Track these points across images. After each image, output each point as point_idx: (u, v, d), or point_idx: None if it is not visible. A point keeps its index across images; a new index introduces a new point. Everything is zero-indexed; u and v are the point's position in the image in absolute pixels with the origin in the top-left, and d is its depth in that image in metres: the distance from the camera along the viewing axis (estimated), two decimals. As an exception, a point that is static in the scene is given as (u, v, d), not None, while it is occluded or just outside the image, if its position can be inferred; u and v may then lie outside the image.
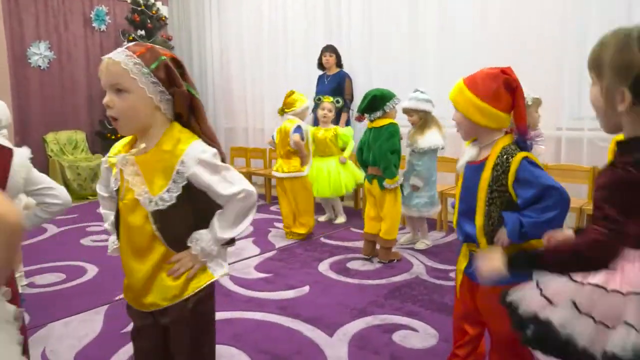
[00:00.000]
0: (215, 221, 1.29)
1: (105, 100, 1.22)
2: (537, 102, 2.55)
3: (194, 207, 1.29)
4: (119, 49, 1.24)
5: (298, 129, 3.76)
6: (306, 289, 2.83)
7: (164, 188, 1.23)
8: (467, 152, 1.58)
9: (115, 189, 1.32)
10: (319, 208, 4.70)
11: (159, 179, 1.24)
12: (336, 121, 4.66)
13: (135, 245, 1.29)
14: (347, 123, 4.87)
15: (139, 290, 1.31)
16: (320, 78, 5.15)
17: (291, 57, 5.88)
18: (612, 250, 0.97)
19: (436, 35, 4.57)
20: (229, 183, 1.26)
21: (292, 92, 3.87)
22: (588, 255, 0.99)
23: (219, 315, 2.46)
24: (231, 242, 1.40)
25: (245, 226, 1.33)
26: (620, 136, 1.11)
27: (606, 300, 0.97)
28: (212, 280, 1.35)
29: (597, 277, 1.00)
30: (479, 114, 1.48)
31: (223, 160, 1.30)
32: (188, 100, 1.28)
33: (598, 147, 3.60)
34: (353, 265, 3.23)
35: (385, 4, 4.94)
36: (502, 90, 1.47)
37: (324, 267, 3.21)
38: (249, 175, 5.66)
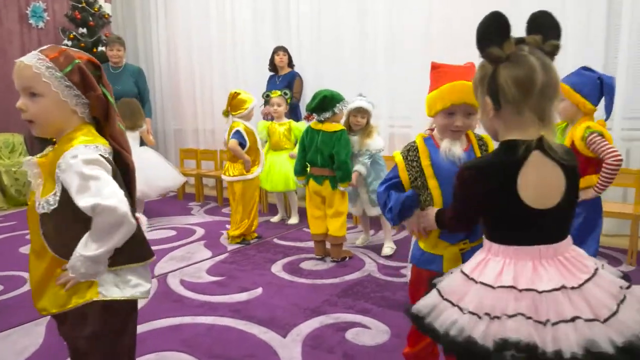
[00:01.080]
0: (84, 236, 1.20)
1: (18, 104, 1.21)
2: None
3: (77, 216, 1.17)
4: (32, 52, 1.22)
5: (236, 133, 3.67)
6: (259, 290, 2.81)
7: (51, 191, 1.21)
8: (456, 145, 1.51)
9: (30, 190, 1.33)
10: (272, 208, 4.69)
11: (49, 182, 1.22)
12: (291, 115, 4.67)
13: (34, 248, 1.29)
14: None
15: (34, 292, 1.30)
16: (271, 78, 5.13)
17: (240, 57, 5.82)
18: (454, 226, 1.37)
19: (385, 35, 4.66)
20: (87, 194, 1.14)
21: (237, 93, 3.72)
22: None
23: (168, 322, 2.41)
24: (142, 259, 1.34)
25: (106, 247, 1.18)
26: (591, 123, 1.97)
27: (463, 286, 1.14)
28: (95, 299, 1.23)
29: (467, 266, 1.19)
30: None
31: (114, 171, 1.24)
32: (104, 104, 1.27)
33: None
34: (306, 265, 3.24)
35: (334, 5, 4.99)
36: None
37: (277, 268, 3.20)
38: (199, 177, 5.56)
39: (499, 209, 1.12)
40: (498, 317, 1.03)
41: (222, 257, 3.47)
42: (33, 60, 1.19)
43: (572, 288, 1.05)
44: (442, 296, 1.15)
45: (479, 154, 1.52)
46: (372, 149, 3.31)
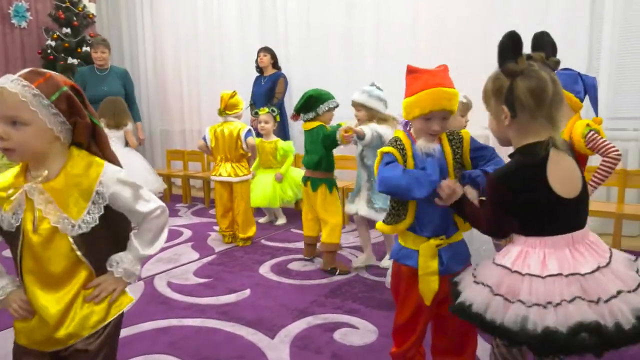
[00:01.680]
0: (134, 240, 1.31)
1: None
2: (464, 106, 2.44)
3: (113, 229, 1.29)
4: (11, 77, 1.14)
5: (249, 132, 3.70)
6: (247, 292, 2.80)
7: (83, 211, 1.20)
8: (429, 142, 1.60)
9: (16, 224, 1.18)
10: (258, 210, 4.67)
11: (76, 203, 1.20)
12: (281, 132, 4.67)
13: (53, 277, 1.21)
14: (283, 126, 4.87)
15: (53, 325, 1.21)
16: (257, 79, 5.13)
17: (228, 58, 5.81)
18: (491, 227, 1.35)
19: (373, 35, 4.69)
20: (145, 201, 1.29)
21: (234, 93, 3.72)
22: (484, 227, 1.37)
23: (154, 324, 2.39)
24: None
25: (162, 243, 1.35)
26: (587, 121, 2.13)
27: (509, 279, 1.21)
28: (132, 303, 1.35)
29: (506, 260, 1.26)
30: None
31: None
32: (90, 129, 1.26)
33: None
34: (294, 266, 3.24)
35: (321, 3, 5.00)
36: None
37: (264, 269, 3.19)
38: (186, 179, 5.53)
39: (536, 205, 1.24)
40: (559, 304, 1.12)
41: (209, 258, 3.45)
42: (18, 88, 1.12)
43: (604, 267, 1.18)
44: (492, 292, 1.22)
45: (448, 148, 1.56)
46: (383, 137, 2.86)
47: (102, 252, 1.28)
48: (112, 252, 1.30)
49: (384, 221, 1.63)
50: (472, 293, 1.26)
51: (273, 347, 2.15)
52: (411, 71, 1.57)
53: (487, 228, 1.39)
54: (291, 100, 4.96)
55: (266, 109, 4.23)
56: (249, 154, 3.78)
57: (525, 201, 1.24)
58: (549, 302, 1.12)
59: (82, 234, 1.20)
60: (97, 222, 1.21)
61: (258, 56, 4.97)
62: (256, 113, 4.32)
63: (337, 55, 4.90)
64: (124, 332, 2.30)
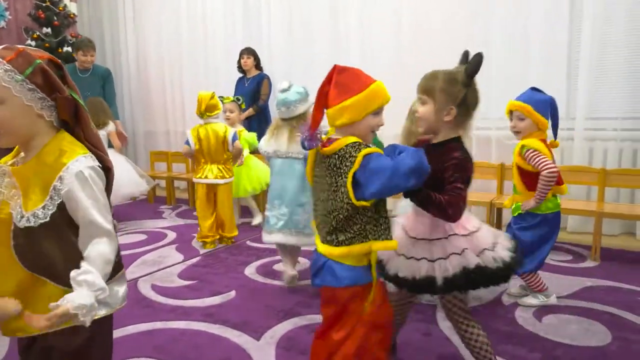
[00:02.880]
0: (93, 269, 1.11)
1: None
2: None
3: (65, 236, 1.15)
4: None
5: (236, 134, 3.69)
6: (232, 293, 2.79)
7: (39, 204, 1.12)
8: None
9: None
10: (244, 210, 4.64)
11: (36, 194, 1.13)
12: (260, 117, 4.64)
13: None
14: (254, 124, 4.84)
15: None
16: (239, 80, 5.12)
17: (212, 59, 5.78)
18: (461, 209, 1.51)
19: (357, 35, 4.71)
20: (103, 215, 1.16)
21: (213, 94, 3.66)
22: (447, 208, 1.48)
23: (139, 328, 2.37)
24: (122, 266, 1.32)
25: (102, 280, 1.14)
26: (527, 141, 2.38)
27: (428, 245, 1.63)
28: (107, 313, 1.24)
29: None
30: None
31: (109, 182, 1.23)
32: (72, 105, 1.19)
33: (505, 145, 3.90)
34: (280, 267, 3.22)
35: (305, 4, 5.00)
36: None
37: (250, 270, 3.18)
38: (170, 180, 5.48)
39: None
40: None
41: (194, 260, 3.43)
42: None
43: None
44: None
45: None
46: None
47: (50, 253, 1.14)
48: (67, 261, 1.14)
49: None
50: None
51: (259, 349, 2.14)
52: (343, 70, 1.47)
53: (459, 210, 1.50)
54: (274, 102, 4.95)
55: (231, 97, 4.13)
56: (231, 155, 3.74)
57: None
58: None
59: (29, 227, 1.12)
60: (48, 219, 1.12)
61: (242, 58, 4.96)
62: (237, 99, 4.20)
63: (321, 55, 4.91)
64: (108, 336, 2.27)
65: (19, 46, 1.17)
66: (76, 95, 1.21)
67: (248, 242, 3.84)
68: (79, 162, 1.15)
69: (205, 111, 3.63)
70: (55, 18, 5.80)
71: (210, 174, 3.66)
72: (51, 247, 1.15)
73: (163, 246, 3.80)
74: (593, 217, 3.29)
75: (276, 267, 3.23)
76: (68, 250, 1.16)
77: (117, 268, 1.26)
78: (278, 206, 2.72)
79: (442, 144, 1.62)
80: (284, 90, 2.70)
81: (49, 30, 5.77)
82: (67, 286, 1.12)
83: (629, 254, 3.37)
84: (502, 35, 3.99)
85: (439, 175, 1.52)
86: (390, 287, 1.70)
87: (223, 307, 2.61)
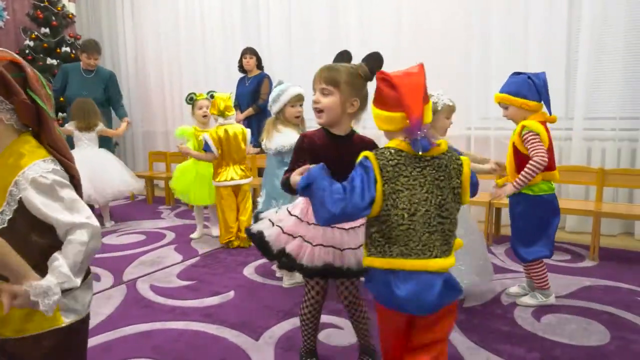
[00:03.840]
0: (61, 262, 1.08)
1: None
2: (450, 109, 2.44)
3: (29, 237, 1.11)
4: None
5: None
6: (231, 294, 2.78)
7: None
8: None
9: None
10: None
11: None
12: (260, 116, 4.64)
13: None
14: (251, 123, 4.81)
15: None
16: (240, 80, 5.11)
17: (211, 58, 5.78)
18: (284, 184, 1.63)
19: (357, 34, 4.72)
20: (69, 210, 1.12)
21: (230, 95, 3.68)
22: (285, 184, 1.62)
23: (137, 328, 2.36)
24: (89, 271, 1.27)
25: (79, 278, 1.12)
26: (529, 122, 2.36)
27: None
28: (57, 327, 1.16)
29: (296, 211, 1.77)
30: (378, 121, 1.42)
31: (76, 187, 1.18)
32: (32, 110, 1.13)
33: (502, 143, 3.90)
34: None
35: (305, 6, 5.00)
36: (382, 90, 1.38)
37: (249, 270, 3.18)
38: (169, 181, 5.46)
39: None
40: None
41: (193, 260, 3.43)
42: None
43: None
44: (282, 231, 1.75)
45: None
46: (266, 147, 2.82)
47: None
48: (31, 263, 1.08)
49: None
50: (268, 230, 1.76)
51: (258, 349, 2.14)
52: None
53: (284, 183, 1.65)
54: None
55: (203, 94, 3.96)
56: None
57: None
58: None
59: None
60: (5, 224, 1.09)
61: (244, 58, 4.94)
62: (191, 99, 3.93)
63: (320, 54, 4.91)
64: (105, 337, 2.27)
65: None
66: (39, 100, 1.15)
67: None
68: (36, 166, 1.11)
69: (225, 111, 3.60)
70: (53, 18, 5.79)
71: (235, 175, 3.62)
72: (14, 243, 1.09)
73: (162, 246, 3.80)
74: (591, 216, 3.29)
75: (275, 267, 3.23)
76: (32, 255, 1.10)
77: (85, 275, 1.21)
78: (263, 195, 2.90)
79: (350, 135, 1.74)
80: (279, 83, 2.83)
81: (47, 30, 5.76)
82: None
83: (628, 254, 3.37)
84: (501, 36, 3.99)
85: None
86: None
87: (222, 307, 2.61)
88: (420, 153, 1.30)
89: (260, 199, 2.97)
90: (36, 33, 5.69)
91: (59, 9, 5.87)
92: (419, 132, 1.28)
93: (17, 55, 1.17)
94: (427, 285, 1.29)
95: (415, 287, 1.28)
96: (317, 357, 2.02)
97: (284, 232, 1.74)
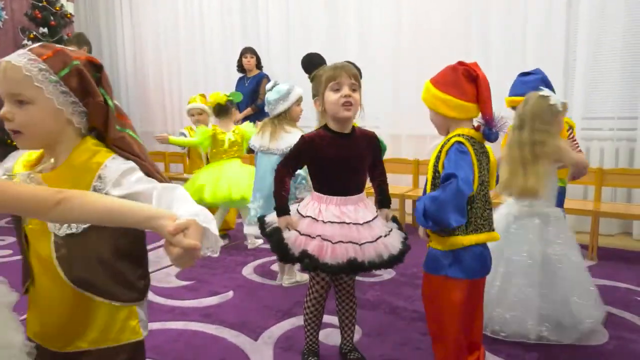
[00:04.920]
0: (183, 202, 0.97)
1: (3, 111, 1.01)
2: (564, 106, 2.19)
3: (116, 241, 1.08)
4: (21, 51, 1.02)
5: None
6: (230, 294, 2.78)
7: None
8: (435, 142, 1.65)
9: None
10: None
11: None
12: (259, 116, 4.62)
13: (46, 277, 1.07)
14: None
15: (59, 329, 1.09)
16: (240, 80, 5.11)
17: (210, 58, 5.78)
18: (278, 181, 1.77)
19: (356, 36, 4.71)
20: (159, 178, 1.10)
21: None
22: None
23: (138, 328, 2.36)
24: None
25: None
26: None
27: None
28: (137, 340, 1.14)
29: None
30: (444, 106, 1.55)
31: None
32: (104, 111, 1.09)
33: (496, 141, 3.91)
34: (277, 267, 3.22)
35: (304, 5, 5.00)
36: (462, 80, 1.51)
37: (248, 270, 3.18)
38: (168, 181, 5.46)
39: None
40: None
41: (192, 261, 3.42)
42: (23, 61, 0.99)
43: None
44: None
45: (435, 153, 1.65)
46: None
47: (89, 262, 1.05)
48: (102, 266, 1.06)
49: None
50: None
51: (256, 349, 2.14)
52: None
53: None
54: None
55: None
56: None
57: None
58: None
59: (70, 235, 1.03)
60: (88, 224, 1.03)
61: (244, 57, 4.94)
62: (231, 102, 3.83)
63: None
64: (105, 337, 2.26)
65: (57, 45, 1.08)
66: (109, 99, 1.11)
67: (246, 242, 3.84)
68: (116, 159, 1.07)
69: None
70: (51, 18, 5.78)
71: None
72: (98, 250, 1.06)
73: (160, 246, 3.78)
74: (590, 216, 3.30)
75: (274, 267, 3.23)
76: (118, 247, 1.08)
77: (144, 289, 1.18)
78: (258, 199, 2.84)
79: (353, 131, 1.80)
80: (268, 90, 2.79)
81: (45, 30, 5.74)
82: (115, 299, 1.08)
83: (626, 253, 3.38)
84: (500, 36, 4.00)
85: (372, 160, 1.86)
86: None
87: (221, 307, 2.61)
88: (494, 141, 1.53)
89: (253, 204, 2.87)
90: (34, 33, 5.68)
91: (57, 8, 5.86)
92: (494, 124, 1.50)
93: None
94: (488, 251, 1.62)
95: (488, 253, 1.62)
96: (319, 358, 2.02)
97: (301, 234, 1.72)
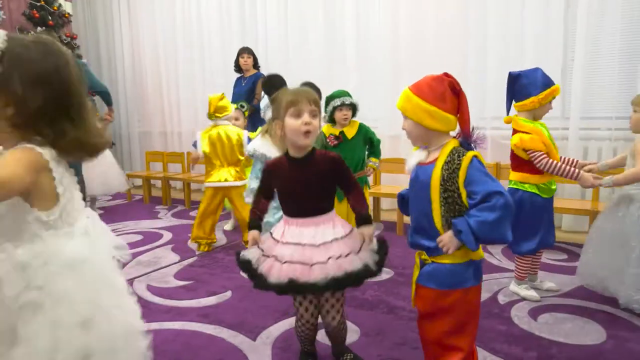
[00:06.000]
0: None
1: None
2: None
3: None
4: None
5: (248, 139, 3.56)
6: (228, 294, 2.78)
7: None
8: (416, 155, 1.58)
9: None
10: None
11: None
12: (255, 117, 4.62)
13: None
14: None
15: None
16: (237, 80, 5.10)
17: (208, 58, 5.78)
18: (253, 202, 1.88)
19: (353, 36, 4.71)
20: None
21: (223, 96, 3.62)
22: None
23: (136, 328, 2.35)
24: None
25: None
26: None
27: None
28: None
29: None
30: (429, 118, 1.48)
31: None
32: None
33: (500, 144, 3.91)
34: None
35: (302, 6, 5.00)
36: (447, 92, 1.48)
37: (246, 270, 3.17)
38: (166, 180, 5.47)
39: None
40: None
41: (190, 261, 3.42)
42: None
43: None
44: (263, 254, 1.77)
45: (438, 169, 1.56)
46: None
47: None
48: None
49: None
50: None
51: (255, 349, 2.14)
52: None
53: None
54: (271, 101, 4.96)
55: (235, 105, 4.02)
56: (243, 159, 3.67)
57: None
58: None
59: None
60: None
61: (242, 57, 4.93)
62: (242, 106, 4.07)
63: (317, 56, 4.91)
64: (103, 337, 2.26)
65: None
66: None
67: (244, 243, 3.84)
68: None
69: (215, 112, 3.57)
70: (49, 18, 5.78)
71: (228, 176, 3.57)
72: None
73: (159, 246, 3.79)
74: (588, 215, 3.30)
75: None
76: None
77: None
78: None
79: (311, 154, 1.79)
80: (263, 96, 2.80)
81: (43, 29, 5.74)
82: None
83: (624, 253, 3.38)
84: (497, 36, 4.01)
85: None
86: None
87: (219, 307, 2.61)
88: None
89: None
90: (32, 32, 5.67)
91: (55, 8, 5.86)
92: (471, 137, 1.50)
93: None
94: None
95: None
96: (316, 358, 2.02)
97: (263, 255, 1.77)
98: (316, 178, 1.74)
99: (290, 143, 1.75)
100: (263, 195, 1.86)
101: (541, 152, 2.40)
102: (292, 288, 1.66)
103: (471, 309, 1.57)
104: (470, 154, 1.45)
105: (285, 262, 1.68)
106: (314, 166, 1.75)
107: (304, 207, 1.76)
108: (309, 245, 1.70)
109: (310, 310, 1.86)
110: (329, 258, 1.67)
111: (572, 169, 2.39)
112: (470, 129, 1.51)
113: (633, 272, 2.31)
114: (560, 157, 2.54)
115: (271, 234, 1.83)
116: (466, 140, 1.51)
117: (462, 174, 1.43)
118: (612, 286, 2.43)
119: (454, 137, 1.56)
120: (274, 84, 2.02)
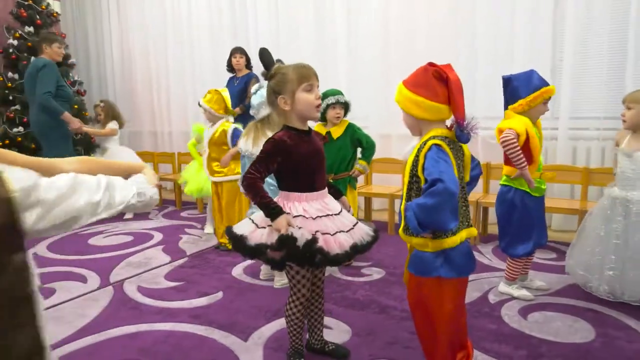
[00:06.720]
0: None
1: None
2: None
3: None
4: None
5: (236, 131, 3.50)
6: (220, 295, 2.77)
7: None
8: (411, 144, 1.66)
9: None
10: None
11: None
12: (246, 116, 4.59)
13: None
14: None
15: None
16: (230, 80, 5.08)
17: (198, 57, 5.74)
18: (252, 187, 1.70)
19: (344, 34, 4.72)
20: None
21: (225, 90, 3.66)
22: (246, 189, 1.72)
23: (124, 330, 2.34)
24: None
25: None
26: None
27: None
28: None
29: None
30: (416, 108, 1.56)
31: None
32: None
33: (490, 144, 3.93)
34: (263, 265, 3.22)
35: (292, 3, 5.00)
36: (433, 81, 1.52)
37: (237, 271, 3.16)
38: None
39: None
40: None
41: (181, 261, 3.40)
42: None
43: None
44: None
45: (412, 156, 1.65)
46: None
47: None
48: None
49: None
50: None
51: (246, 350, 2.13)
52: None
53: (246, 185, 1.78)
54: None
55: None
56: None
57: None
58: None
59: None
60: None
61: (234, 57, 4.91)
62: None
63: (307, 54, 4.90)
64: (92, 340, 2.24)
65: None
66: None
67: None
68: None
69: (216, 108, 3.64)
70: (37, 17, 5.70)
71: (220, 171, 3.57)
72: None
73: (149, 247, 3.77)
74: (577, 215, 3.33)
75: (263, 267, 3.22)
76: None
77: None
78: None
79: (310, 130, 1.86)
80: (253, 94, 2.81)
81: (31, 29, 5.67)
82: None
83: (612, 252, 3.41)
84: (487, 36, 4.03)
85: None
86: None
87: (210, 308, 2.60)
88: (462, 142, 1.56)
89: (250, 209, 2.91)
90: (20, 32, 5.60)
91: (43, 7, 5.79)
92: (465, 125, 1.51)
93: None
94: (471, 249, 1.64)
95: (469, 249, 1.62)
96: (304, 358, 2.02)
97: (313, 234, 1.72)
98: (322, 149, 1.85)
99: (299, 116, 1.77)
100: (263, 179, 1.73)
101: (513, 131, 2.38)
102: (356, 252, 1.73)
103: (443, 308, 1.59)
104: (430, 142, 1.51)
105: (335, 232, 1.71)
106: (316, 139, 1.85)
107: (320, 179, 1.81)
108: (336, 215, 1.78)
109: (307, 285, 1.89)
110: (355, 224, 1.80)
111: (524, 161, 2.39)
112: (464, 117, 1.54)
113: (609, 274, 2.46)
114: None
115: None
116: (459, 128, 1.54)
117: (421, 160, 1.52)
118: (591, 282, 2.56)
119: (447, 127, 1.60)
120: (270, 59, 1.99)
